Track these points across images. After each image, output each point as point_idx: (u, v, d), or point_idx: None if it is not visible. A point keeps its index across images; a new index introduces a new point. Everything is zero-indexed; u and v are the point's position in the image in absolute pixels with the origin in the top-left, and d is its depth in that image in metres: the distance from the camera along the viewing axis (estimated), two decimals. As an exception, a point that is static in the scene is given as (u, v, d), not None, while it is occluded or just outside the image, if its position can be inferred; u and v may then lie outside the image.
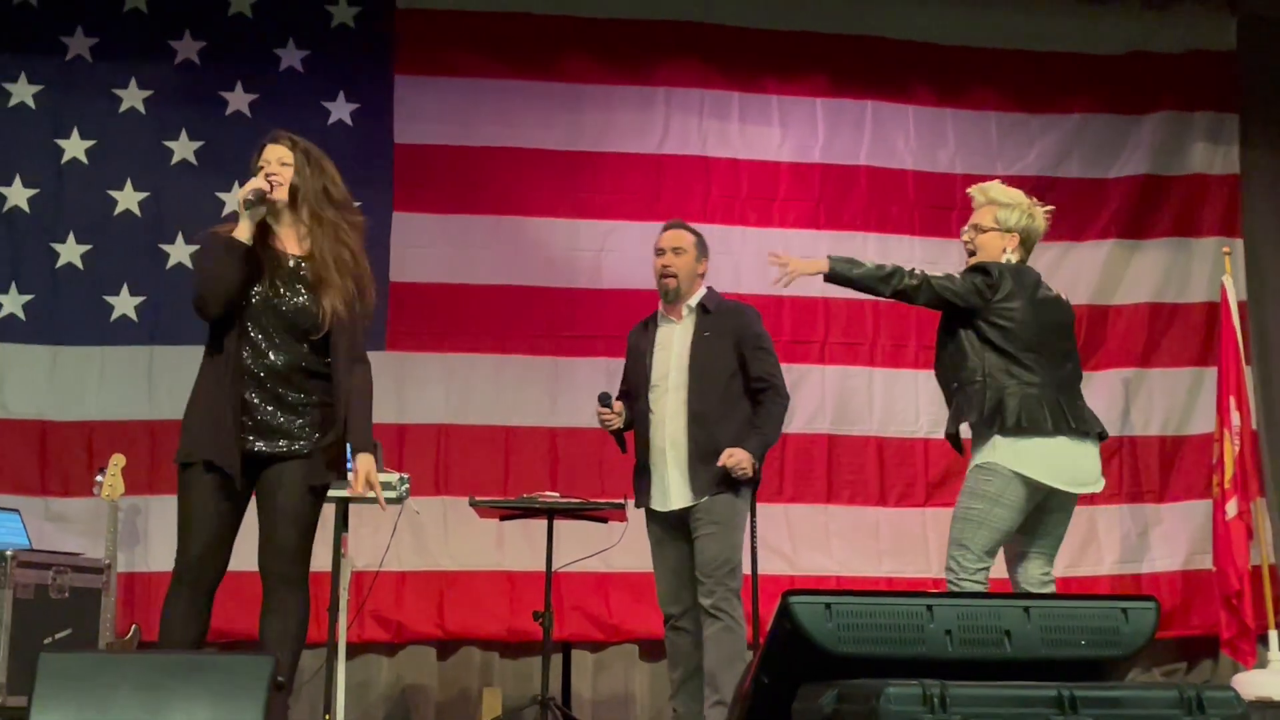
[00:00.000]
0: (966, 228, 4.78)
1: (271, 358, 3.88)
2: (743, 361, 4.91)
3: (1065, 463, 4.45)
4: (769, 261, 4.75)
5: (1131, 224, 7.20)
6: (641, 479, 5.01)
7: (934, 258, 6.96)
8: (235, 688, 3.09)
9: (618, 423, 5.05)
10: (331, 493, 5.21)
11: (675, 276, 4.99)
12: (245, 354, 3.87)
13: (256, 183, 3.90)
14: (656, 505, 4.94)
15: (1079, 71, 7.32)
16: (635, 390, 5.08)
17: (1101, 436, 4.60)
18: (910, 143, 7.16)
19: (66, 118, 6.67)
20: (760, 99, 7.11)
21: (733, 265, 6.82)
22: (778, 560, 6.60)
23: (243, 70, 6.78)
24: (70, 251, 6.59)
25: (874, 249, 6.96)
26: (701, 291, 5.04)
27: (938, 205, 7.08)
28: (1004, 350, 4.50)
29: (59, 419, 6.46)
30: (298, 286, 3.91)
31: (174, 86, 6.74)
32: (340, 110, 6.84)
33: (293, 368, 3.88)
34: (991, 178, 6.95)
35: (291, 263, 3.94)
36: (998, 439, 4.44)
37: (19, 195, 6.61)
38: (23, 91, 6.67)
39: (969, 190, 4.86)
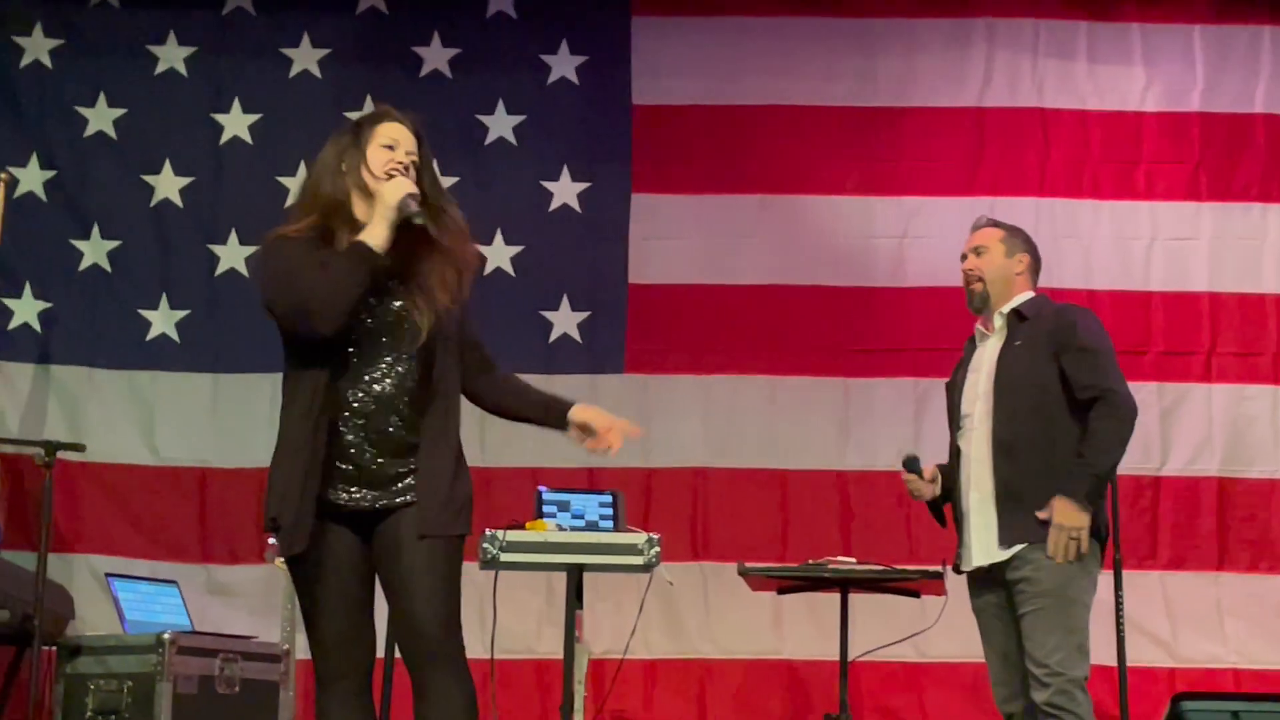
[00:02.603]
0: None
1: (373, 385, 3.94)
2: (1063, 372, 4.95)
3: None
4: None
5: None
6: (959, 533, 5.10)
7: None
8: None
9: (930, 493, 5.15)
10: (564, 558, 5.52)
11: (981, 280, 5.18)
12: (341, 383, 3.90)
13: (410, 184, 3.90)
14: (964, 564, 5.05)
15: None
16: (952, 431, 5.19)
17: None
18: (1330, 80, 6.81)
19: (225, 87, 7.08)
20: (1116, 29, 7.23)
21: (1081, 251, 6.96)
22: (1151, 647, 6.71)
23: (439, 19, 7.13)
24: (232, 254, 6.97)
25: (1276, 227, 7.06)
26: (1024, 296, 5.17)
27: (1375, 166, 6.50)
28: None
29: (222, 465, 6.89)
30: (391, 292, 3.95)
31: (356, 43, 7.09)
32: (563, 65, 7.21)
33: (398, 395, 3.93)
34: None
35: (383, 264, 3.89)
36: None
37: (169, 185, 7.05)
38: (172, 55, 7.05)
39: None
